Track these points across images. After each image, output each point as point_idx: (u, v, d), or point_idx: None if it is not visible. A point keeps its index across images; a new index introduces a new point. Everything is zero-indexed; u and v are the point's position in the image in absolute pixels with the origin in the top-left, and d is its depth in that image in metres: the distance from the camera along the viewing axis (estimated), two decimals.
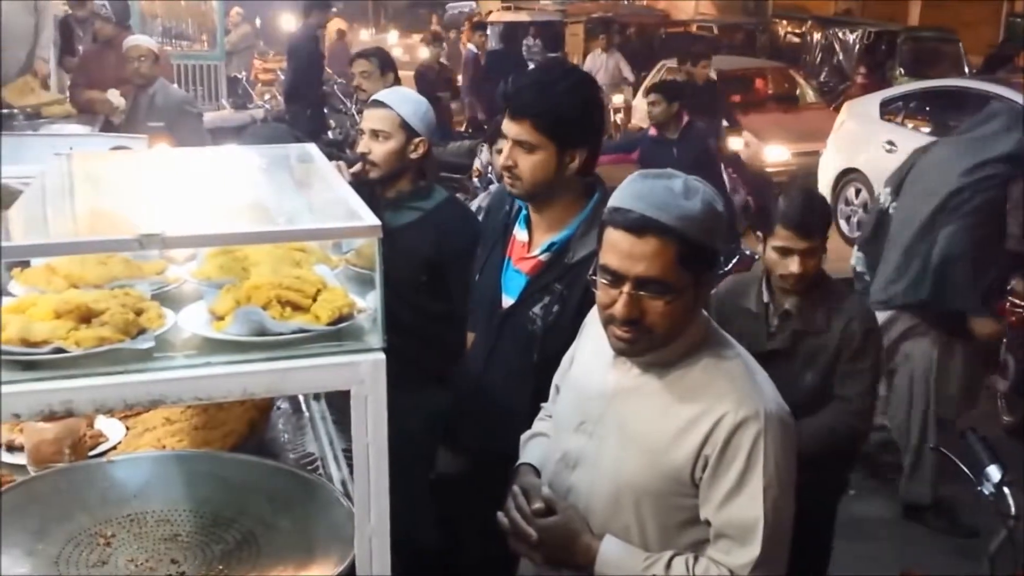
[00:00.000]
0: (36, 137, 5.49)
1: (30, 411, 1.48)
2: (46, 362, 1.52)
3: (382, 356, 1.64)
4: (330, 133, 9.96)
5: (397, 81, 6.07)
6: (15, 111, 5.93)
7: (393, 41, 19.82)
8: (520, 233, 2.71)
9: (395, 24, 21.69)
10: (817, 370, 3.21)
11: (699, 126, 7.60)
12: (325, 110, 10.47)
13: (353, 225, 1.78)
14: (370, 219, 1.74)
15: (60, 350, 1.53)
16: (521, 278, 2.65)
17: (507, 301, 2.67)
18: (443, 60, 13.00)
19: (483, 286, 2.80)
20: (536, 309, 2.58)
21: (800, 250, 3.15)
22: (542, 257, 2.61)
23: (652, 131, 7.38)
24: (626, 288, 1.92)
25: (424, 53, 15.83)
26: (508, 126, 2.55)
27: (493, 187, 6.73)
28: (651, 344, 1.97)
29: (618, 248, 1.93)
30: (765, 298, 3.29)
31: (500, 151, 2.65)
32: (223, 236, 1.77)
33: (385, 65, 6.23)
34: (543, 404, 2.38)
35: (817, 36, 16.62)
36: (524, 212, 2.70)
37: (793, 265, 3.15)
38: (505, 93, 2.56)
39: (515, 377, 2.62)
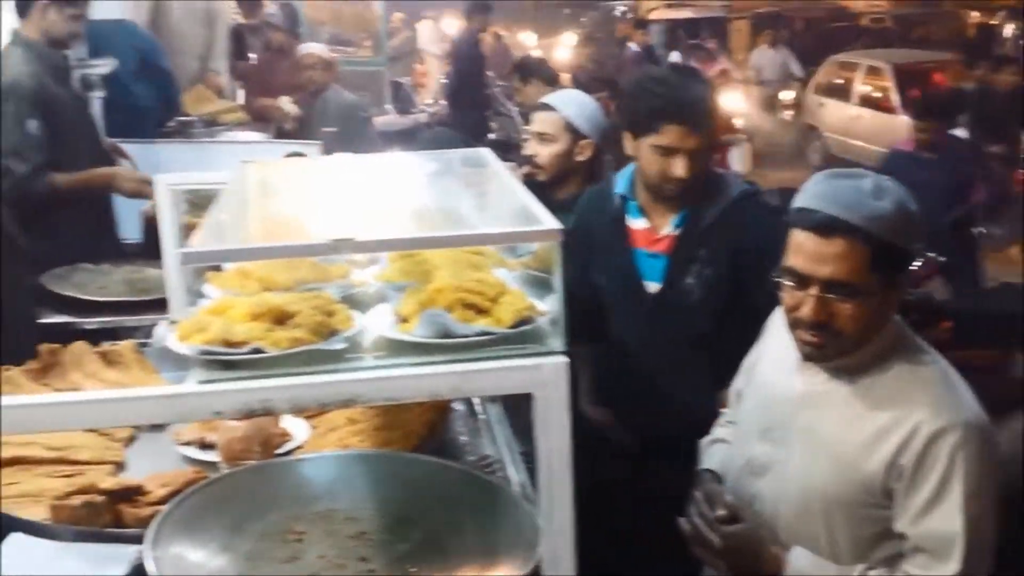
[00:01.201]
0: (214, 144, 5.73)
1: (231, 409, 1.53)
2: (245, 362, 1.57)
3: (564, 359, 1.62)
4: (492, 136, 10.05)
5: (548, 81, 6.10)
6: (193, 119, 6.18)
7: (531, 43, 19.77)
8: (638, 222, 2.79)
9: (533, 26, 21.39)
10: None
11: (964, 142, 6.61)
12: (487, 113, 10.57)
13: (534, 229, 1.78)
14: (550, 223, 1.74)
15: (258, 351, 1.58)
16: (658, 260, 2.74)
17: (652, 287, 2.74)
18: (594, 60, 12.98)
19: (615, 282, 2.84)
20: (689, 280, 2.68)
21: None
22: (675, 233, 2.71)
23: (907, 146, 6.31)
24: (813, 291, 1.87)
25: (562, 55, 15.79)
26: (687, 138, 2.62)
27: None
28: (840, 349, 1.91)
29: (804, 250, 1.88)
30: None
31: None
32: (411, 240, 1.81)
33: (526, 75, 6.28)
34: (724, 410, 2.34)
35: (1011, 27, 15.65)
36: (634, 203, 2.79)
37: None
38: (678, 103, 2.63)
39: (682, 354, 2.72)
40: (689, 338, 2.70)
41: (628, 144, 2.75)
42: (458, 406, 2.56)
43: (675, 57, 12.84)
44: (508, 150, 7.85)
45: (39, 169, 3.68)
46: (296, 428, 2.32)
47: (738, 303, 2.58)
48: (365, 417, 2.32)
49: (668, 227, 2.74)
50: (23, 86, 3.69)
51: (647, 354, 2.78)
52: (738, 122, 10.66)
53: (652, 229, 2.77)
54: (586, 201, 3.02)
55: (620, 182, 2.84)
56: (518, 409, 2.36)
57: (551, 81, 6.28)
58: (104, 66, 4.99)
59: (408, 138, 7.88)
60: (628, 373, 2.82)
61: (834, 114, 13.01)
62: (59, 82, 3.90)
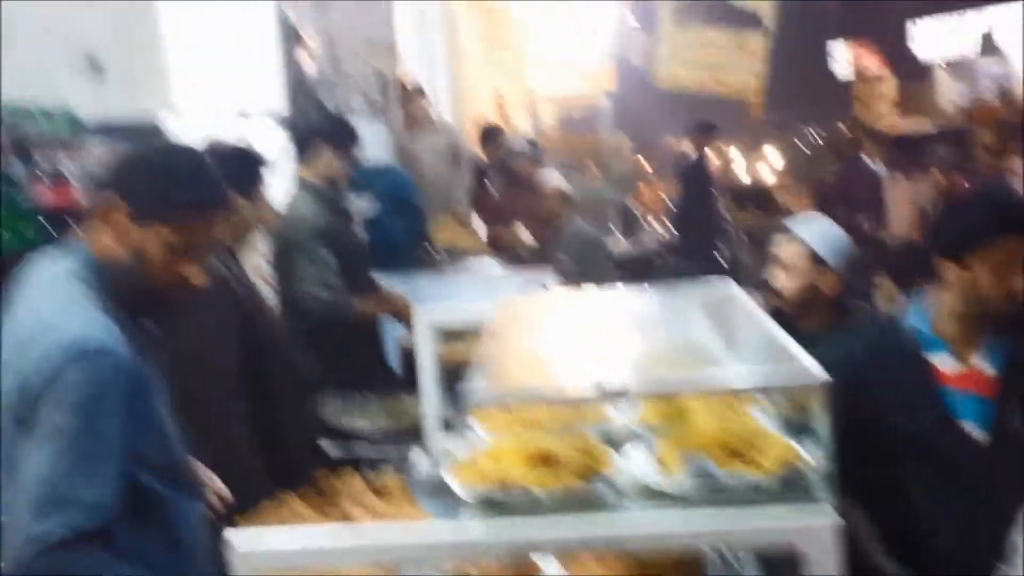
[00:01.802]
0: (461, 275, 5.99)
1: (504, 548, 1.59)
2: (517, 504, 1.64)
3: (837, 518, 1.57)
4: (721, 260, 9.98)
5: (764, 206, 6.07)
6: (439, 249, 6.50)
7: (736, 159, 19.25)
8: (943, 359, 2.56)
9: (735, 141, 20.63)
10: None
11: None
12: (716, 236, 10.52)
13: (803, 384, 1.76)
14: (816, 371, 1.73)
15: (529, 492, 1.64)
16: (974, 401, 2.52)
17: (974, 430, 2.51)
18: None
19: (925, 426, 2.57)
20: None
21: None
22: (992, 367, 2.53)
23: None
24: None
25: (767, 169, 15.36)
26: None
27: None
28: None
29: None
30: None
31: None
32: (675, 385, 1.84)
33: (742, 201, 6.25)
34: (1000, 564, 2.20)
35: None
36: (938, 339, 2.57)
37: None
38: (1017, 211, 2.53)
39: (1010, 499, 2.39)
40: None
41: (949, 272, 2.53)
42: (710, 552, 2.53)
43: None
44: (737, 275, 7.82)
45: (343, 296, 4.16)
46: (548, 566, 2.35)
47: None
48: (619, 564, 2.32)
49: (980, 361, 2.55)
50: (318, 226, 4.23)
51: (965, 501, 2.52)
52: None
53: (965, 366, 2.56)
54: (867, 340, 2.81)
55: (914, 316, 2.65)
56: (774, 559, 2.27)
57: (767, 205, 6.24)
58: (369, 207, 5.46)
59: (639, 265, 7.98)
60: (938, 523, 2.55)
61: None
62: (339, 220, 4.43)
